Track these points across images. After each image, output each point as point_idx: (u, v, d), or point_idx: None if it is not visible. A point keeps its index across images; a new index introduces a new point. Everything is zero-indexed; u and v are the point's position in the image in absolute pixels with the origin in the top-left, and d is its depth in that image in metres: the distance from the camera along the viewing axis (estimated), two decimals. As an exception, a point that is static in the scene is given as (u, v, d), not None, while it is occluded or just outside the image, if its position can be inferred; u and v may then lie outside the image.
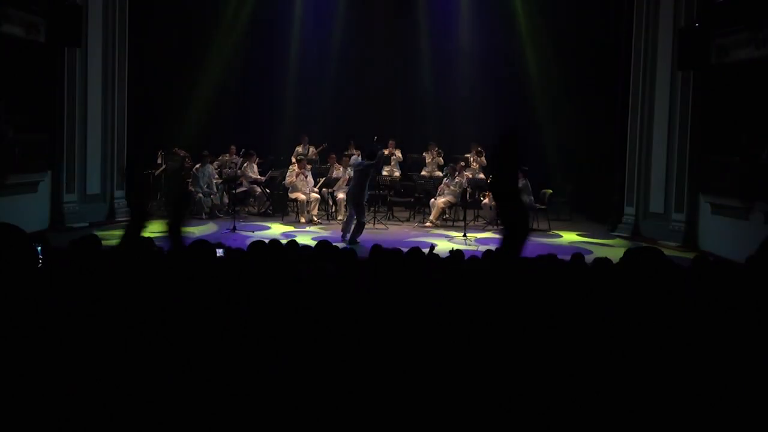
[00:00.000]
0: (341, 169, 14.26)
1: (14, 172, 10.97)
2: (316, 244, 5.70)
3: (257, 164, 14.71)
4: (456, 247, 8.67)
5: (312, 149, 15.80)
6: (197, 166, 13.91)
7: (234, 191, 13.78)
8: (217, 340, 2.53)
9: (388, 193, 14.53)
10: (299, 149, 15.46)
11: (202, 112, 16.24)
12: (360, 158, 12.36)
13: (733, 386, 2.05)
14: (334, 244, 5.81)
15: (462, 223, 12.92)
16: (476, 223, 13.82)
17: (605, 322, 2.69)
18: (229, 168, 14.72)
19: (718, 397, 2.07)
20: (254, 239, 6.50)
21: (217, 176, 14.37)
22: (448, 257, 5.96)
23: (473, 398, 2.19)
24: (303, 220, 13.42)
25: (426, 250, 5.94)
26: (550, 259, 5.37)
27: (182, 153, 14.63)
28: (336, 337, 1.71)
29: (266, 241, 4.65)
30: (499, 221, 13.38)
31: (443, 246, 10.51)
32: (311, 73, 17.32)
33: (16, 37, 10.95)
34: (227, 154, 15.20)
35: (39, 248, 4.90)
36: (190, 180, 13.87)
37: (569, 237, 12.81)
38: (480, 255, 5.98)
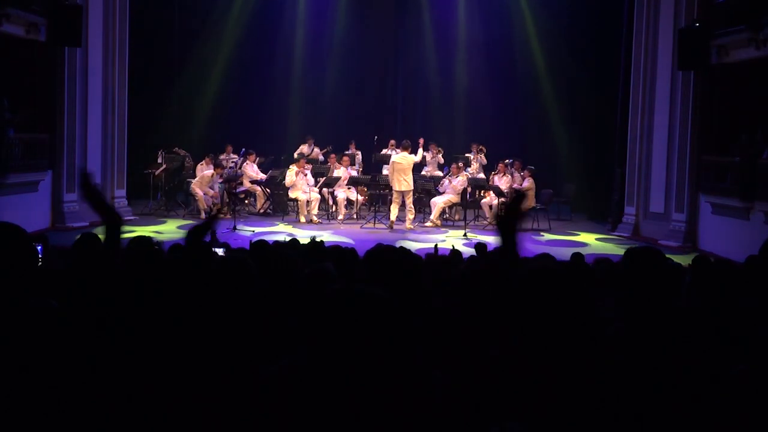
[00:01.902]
0: (341, 168, 14.26)
1: (15, 171, 10.98)
2: (313, 243, 5.70)
3: (257, 164, 14.70)
4: (455, 246, 8.66)
5: (317, 150, 15.78)
6: (210, 172, 13.79)
7: (234, 191, 13.76)
8: (218, 340, 2.53)
9: (388, 193, 14.50)
10: (304, 149, 15.42)
11: (203, 111, 16.23)
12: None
13: (733, 386, 2.05)
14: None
15: (462, 223, 12.92)
16: (476, 222, 13.82)
17: (605, 321, 2.70)
18: (230, 168, 14.70)
19: (717, 396, 2.07)
20: (255, 238, 6.50)
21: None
22: (446, 257, 5.97)
23: (471, 398, 2.19)
24: (303, 219, 13.42)
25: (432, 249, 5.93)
26: (547, 259, 5.35)
27: (182, 153, 14.62)
28: (335, 336, 1.71)
29: (267, 240, 4.66)
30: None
31: (444, 245, 10.50)
32: (313, 73, 17.33)
33: (16, 37, 10.96)
34: (224, 154, 15.19)
35: (39, 248, 4.91)
36: (193, 180, 13.84)
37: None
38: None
